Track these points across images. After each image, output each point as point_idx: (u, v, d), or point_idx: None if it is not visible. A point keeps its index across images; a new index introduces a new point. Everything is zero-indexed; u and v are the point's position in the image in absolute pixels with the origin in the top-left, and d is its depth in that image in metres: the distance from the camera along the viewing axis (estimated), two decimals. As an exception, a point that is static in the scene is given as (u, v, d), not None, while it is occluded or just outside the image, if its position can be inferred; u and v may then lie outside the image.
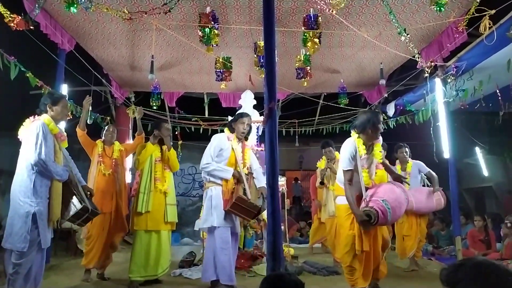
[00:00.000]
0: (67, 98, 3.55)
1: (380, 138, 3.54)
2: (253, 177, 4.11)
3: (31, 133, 3.12)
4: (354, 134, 3.51)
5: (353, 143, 3.42)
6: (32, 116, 3.29)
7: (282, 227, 5.03)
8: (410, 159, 5.27)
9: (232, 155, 4.03)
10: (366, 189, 3.40)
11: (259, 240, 5.77)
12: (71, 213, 3.26)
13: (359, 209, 3.28)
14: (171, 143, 4.44)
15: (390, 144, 5.74)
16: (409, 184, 5.06)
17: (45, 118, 3.24)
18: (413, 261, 5.12)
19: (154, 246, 4.17)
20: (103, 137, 4.72)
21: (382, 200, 3.21)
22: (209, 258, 3.89)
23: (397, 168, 5.22)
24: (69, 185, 3.29)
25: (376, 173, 3.55)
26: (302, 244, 7.86)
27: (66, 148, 3.46)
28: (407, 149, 5.29)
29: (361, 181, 3.39)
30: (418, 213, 5.04)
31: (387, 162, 3.75)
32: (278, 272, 2.14)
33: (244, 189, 3.85)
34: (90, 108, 4.93)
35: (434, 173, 5.18)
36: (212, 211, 3.87)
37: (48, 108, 3.30)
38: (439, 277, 1.37)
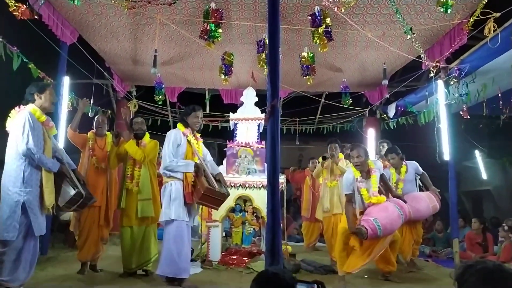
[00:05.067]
0: (52, 87, 3.51)
1: (376, 170, 4.15)
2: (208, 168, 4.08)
3: (18, 123, 3.11)
4: (349, 164, 4.41)
5: (351, 171, 4.16)
6: (18, 107, 3.26)
7: (281, 225, 5.04)
8: (404, 162, 5.10)
9: (189, 149, 4.03)
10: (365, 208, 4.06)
11: (257, 237, 5.76)
12: (66, 199, 3.26)
13: (354, 226, 3.96)
14: (130, 136, 4.31)
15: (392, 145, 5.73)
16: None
17: (31, 107, 3.22)
18: (411, 262, 5.11)
19: (128, 241, 4.29)
20: (94, 129, 4.59)
21: (374, 219, 3.80)
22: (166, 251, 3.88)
23: (391, 173, 5.12)
24: (61, 173, 3.30)
25: (372, 198, 4.08)
26: (300, 242, 7.87)
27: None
28: (398, 152, 5.10)
29: (358, 201, 4.06)
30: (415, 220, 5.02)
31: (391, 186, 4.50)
32: (272, 268, 2.13)
33: (208, 180, 3.85)
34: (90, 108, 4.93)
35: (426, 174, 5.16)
36: (171, 205, 3.88)
37: (35, 97, 3.28)
38: (450, 275, 1.40)
